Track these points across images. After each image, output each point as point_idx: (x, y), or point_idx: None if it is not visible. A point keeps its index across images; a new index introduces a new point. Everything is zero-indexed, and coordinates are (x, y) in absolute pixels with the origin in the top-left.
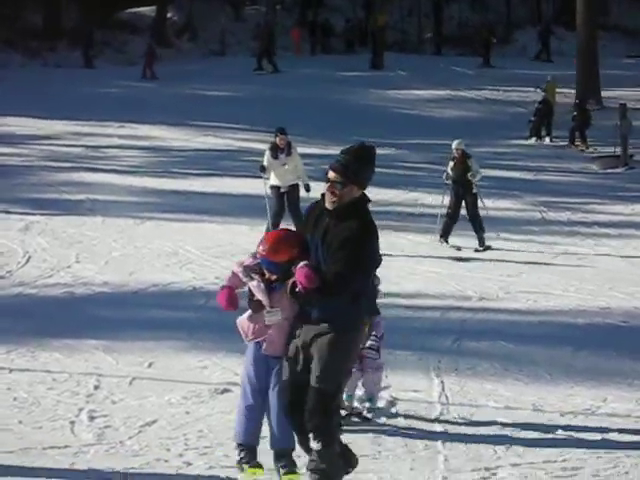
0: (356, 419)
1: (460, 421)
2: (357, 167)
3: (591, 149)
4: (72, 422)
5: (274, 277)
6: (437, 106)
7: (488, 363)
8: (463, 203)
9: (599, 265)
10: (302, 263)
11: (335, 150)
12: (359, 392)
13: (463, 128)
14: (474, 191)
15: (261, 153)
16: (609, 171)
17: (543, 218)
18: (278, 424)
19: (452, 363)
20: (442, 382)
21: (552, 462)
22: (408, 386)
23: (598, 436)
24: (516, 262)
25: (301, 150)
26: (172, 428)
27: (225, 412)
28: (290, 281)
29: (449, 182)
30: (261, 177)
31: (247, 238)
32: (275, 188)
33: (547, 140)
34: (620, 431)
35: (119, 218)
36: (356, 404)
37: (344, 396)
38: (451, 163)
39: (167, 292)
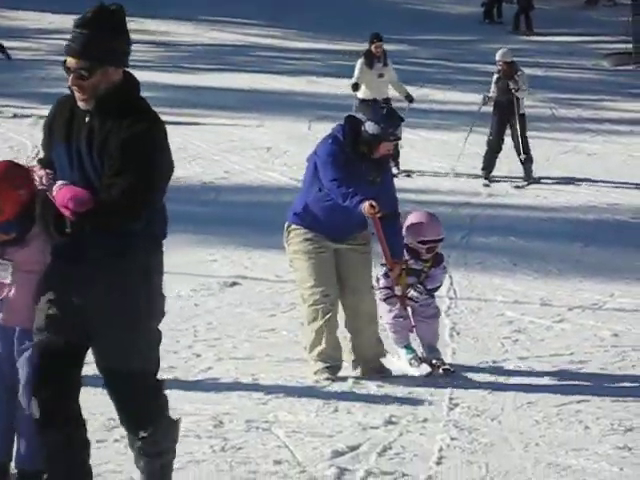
0: (441, 372)
1: (468, 315)
2: (102, 40)
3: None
4: None
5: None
6: (448, 1)
7: (497, 258)
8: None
9: (609, 162)
10: (60, 182)
11: (343, 45)
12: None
13: (473, 24)
14: (521, 112)
15: (270, 47)
16: (620, 68)
17: (553, 115)
18: (28, 436)
19: (461, 258)
20: (450, 277)
21: (559, 356)
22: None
23: (605, 330)
24: None
25: (309, 45)
26: (181, 320)
27: (234, 304)
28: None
29: (488, 103)
30: (355, 94)
31: (257, 134)
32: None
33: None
34: (627, 325)
35: None
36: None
37: (403, 351)
38: (495, 78)
39: (176, 187)
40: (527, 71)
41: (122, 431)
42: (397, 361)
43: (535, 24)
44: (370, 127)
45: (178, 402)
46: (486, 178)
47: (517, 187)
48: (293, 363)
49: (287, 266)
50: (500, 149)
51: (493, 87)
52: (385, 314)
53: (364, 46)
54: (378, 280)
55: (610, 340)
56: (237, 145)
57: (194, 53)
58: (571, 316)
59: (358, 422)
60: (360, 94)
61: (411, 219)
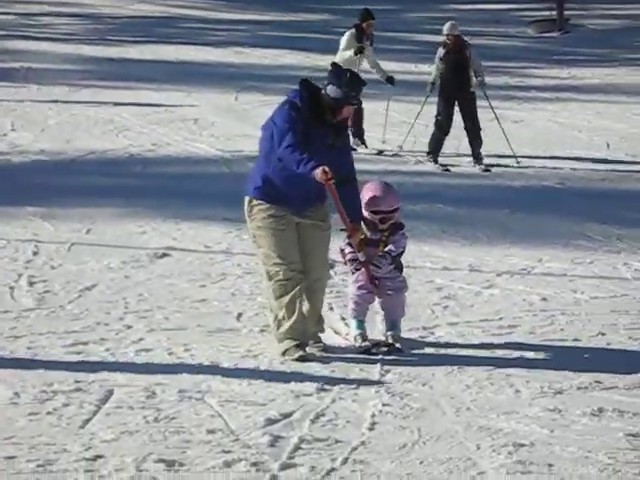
0: (384, 349)
1: None
2: None
3: None
4: (11, 288)
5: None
6: None
7: (425, 225)
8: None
9: (536, 129)
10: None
11: (271, 16)
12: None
13: None
14: (472, 89)
15: (197, 19)
16: (545, 35)
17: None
18: None
19: None
20: None
21: (489, 320)
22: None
23: (534, 295)
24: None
25: (238, 17)
26: (112, 292)
27: (164, 276)
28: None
29: (434, 82)
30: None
31: (184, 105)
32: None
33: None
34: (555, 290)
35: (54, 86)
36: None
37: (354, 323)
38: (440, 52)
39: (104, 159)
40: None
41: (55, 403)
42: (336, 335)
43: None
44: (332, 91)
45: (110, 374)
46: (435, 162)
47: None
48: (225, 333)
49: (216, 237)
50: (448, 131)
51: (438, 62)
52: (351, 285)
53: (290, 16)
54: (343, 251)
55: (539, 304)
56: (164, 117)
57: (120, 25)
58: (500, 281)
59: (290, 390)
60: (337, 59)
61: (364, 191)
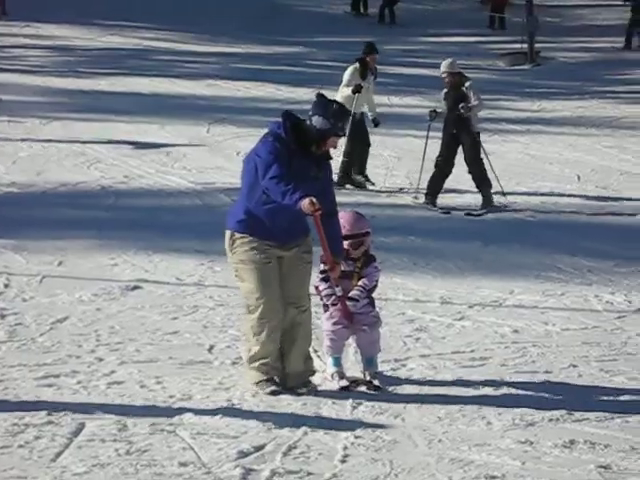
0: (362, 388)
1: None
2: None
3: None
4: None
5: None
6: (344, 2)
7: (397, 258)
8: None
9: (507, 161)
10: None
11: (241, 49)
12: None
13: (368, 25)
14: (473, 130)
15: (168, 51)
16: (516, 67)
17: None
18: None
19: None
20: None
21: (461, 352)
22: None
23: (506, 327)
24: (426, 159)
25: (208, 49)
26: (83, 325)
27: (136, 308)
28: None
29: (434, 118)
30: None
31: (156, 137)
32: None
33: None
34: (527, 322)
35: (25, 118)
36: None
37: (330, 361)
38: (443, 93)
39: (76, 191)
40: (423, 72)
41: (27, 436)
42: (321, 374)
43: (432, 25)
44: (318, 122)
45: (82, 406)
46: (433, 204)
47: (470, 214)
48: (196, 365)
49: (188, 269)
50: (449, 173)
51: (442, 102)
52: (325, 321)
53: (260, 48)
54: (317, 288)
55: (510, 336)
56: (136, 149)
57: (91, 57)
58: (471, 313)
59: (263, 422)
60: (339, 97)
61: None
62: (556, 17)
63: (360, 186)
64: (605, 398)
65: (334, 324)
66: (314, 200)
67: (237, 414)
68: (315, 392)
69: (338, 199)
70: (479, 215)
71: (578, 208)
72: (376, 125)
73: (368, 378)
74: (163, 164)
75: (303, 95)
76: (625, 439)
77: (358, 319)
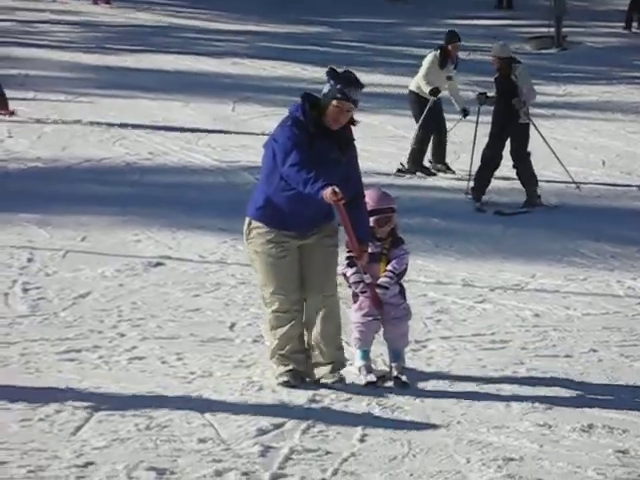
0: (390, 384)
1: None
2: None
3: None
4: (6, 294)
5: None
6: None
7: (419, 239)
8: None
9: (532, 145)
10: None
11: (269, 28)
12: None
13: (396, 8)
14: (521, 121)
15: (195, 29)
16: (542, 51)
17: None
18: None
19: None
20: None
21: (481, 335)
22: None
23: (527, 311)
24: (449, 141)
25: (236, 27)
26: (106, 300)
27: (158, 285)
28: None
29: (483, 102)
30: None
31: (180, 114)
32: (422, 99)
33: None
34: (548, 306)
35: (51, 93)
36: (383, 367)
37: (358, 353)
38: (494, 77)
39: (100, 167)
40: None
41: (47, 410)
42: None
43: (461, 7)
44: (324, 88)
45: (103, 381)
46: (477, 201)
47: (512, 214)
48: (218, 342)
49: (211, 247)
50: (498, 165)
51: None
52: (354, 312)
53: (287, 28)
54: (345, 275)
55: (531, 320)
56: (161, 126)
57: (118, 34)
58: (493, 296)
59: (282, 400)
60: (414, 87)
61: None
62: (584, 1)
63: (431, 174)
64: (624, 383)
65: (364, 315)
66: (336, 189)
67: (257, 392)
68: (343, 385)
69: None
70: (512, 214)
71: (602, 193)
72: (465, 115)
73: (395, 373)
74: (187, 141)
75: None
76: None
77: (387, 310)
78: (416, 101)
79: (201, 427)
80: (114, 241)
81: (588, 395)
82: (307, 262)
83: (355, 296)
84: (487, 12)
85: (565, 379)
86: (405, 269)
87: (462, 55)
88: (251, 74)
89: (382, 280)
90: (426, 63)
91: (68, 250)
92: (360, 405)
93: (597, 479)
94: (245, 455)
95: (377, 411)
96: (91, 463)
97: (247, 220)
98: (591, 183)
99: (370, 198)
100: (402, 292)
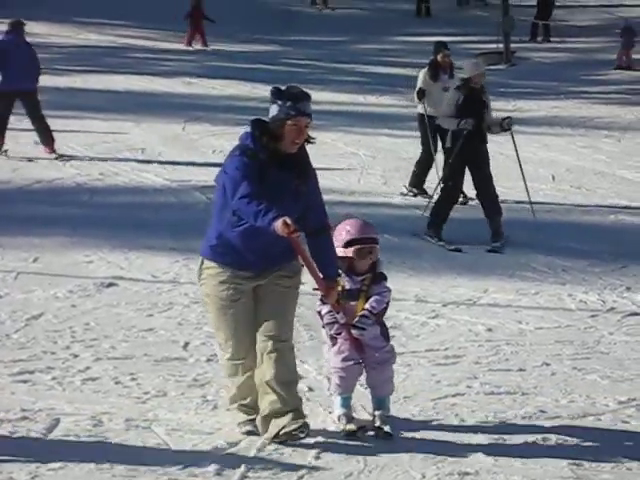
0: (371, 433)
1: None
2: None
3: None
4: None
5: None
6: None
7: None
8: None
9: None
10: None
11: (219, 46)
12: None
13: (349, 25)
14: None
15: (145, 49)
16: (491, 67)
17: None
18: None
19: None
20: None
21: (435, 350)
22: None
23: (479, 325)
24: (399, 158)
25: (184, 47)
26: (58, 321)
27: (111, 305)
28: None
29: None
30: (421, 104)
31: (131, 135)
32: (427, 118)
33: None
34: (501, 320)
35: None
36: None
37: (338, 401)
38: (455, 96)
39: (51, 188)
40: (401, 72)
41: (1, 432)
42: (329, 415)
43: (408, 26)
44: (271, 111)
45: (57, 402)
46: (436, 236)
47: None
48: (172, 362)
49: (163, 266)
50: (458, 196)
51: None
52: (333, 356)
53: (236, 47)
54: (319, 313)
55: (484, 335)
56: (112, 146)
57: (68, 55)
58: (446, 312)
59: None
60: (420, 109)
61: (336, 230)
62: (532, 17)
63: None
64: (577, 396)
65: (344, 359)
66: (288, 220)
67: (211, 410)
68: (307, 432)
69: None
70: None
71: (553, 208)
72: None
73: (378, 423)
74: (139, 162)
75: None
76: (597, 436)
77: (369, 354)
78: (420, 121)
79: (156, 447)
80: (66, 262)
81: (542, 408)
82: (260, 303)
83: (333, 338)
84: (432, 28)
85: (518, 393)
86: (385, 308)
87: (414, 72)
88: (201, 93)
89: (358, 320)
90: (418, 81)
91: (20, 272)
92: (315, 421)
93: None
94: (201, 474)
95: (332, 428)
96: None
97: (200, 260)
98: (540, 203)
99: (351, 227)
100: (384, 333)
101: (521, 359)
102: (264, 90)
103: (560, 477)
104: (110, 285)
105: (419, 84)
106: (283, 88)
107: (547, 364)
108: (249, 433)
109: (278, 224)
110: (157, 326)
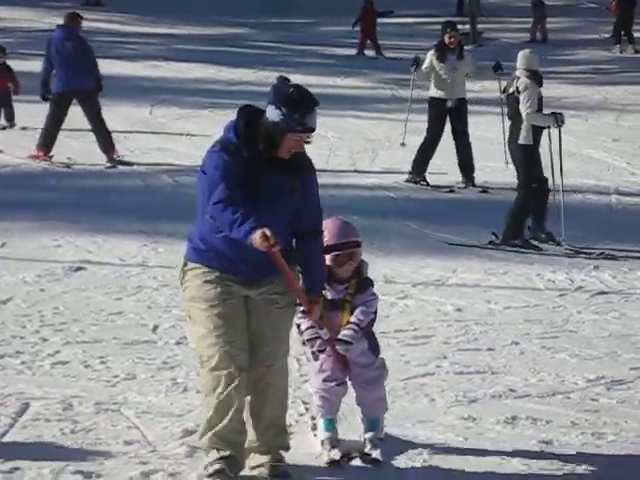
0: (357, 462)
1: None
2: None
3: None
4: None
5: None
6: None
7: None
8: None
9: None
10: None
11: (184, 30)
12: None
13: (319, 6)
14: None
15: (110, 32)
16: None
17: (394, 95)
18: None
19: None
20: None
21: (404, 331)
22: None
23: (448, 306)
24: (366, 139)
25: (150, 30)
26: (27, 305)
27: (80, 289)
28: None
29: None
30: (413, 76)
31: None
32: (437, 102)
33: None
34: (470, 300)
35: None
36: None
37: (321, 424)
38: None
39: (18, 173)
40: (368, 52)
41: None
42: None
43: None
44: (271, 113)
45: (26, 387)
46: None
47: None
48: (141, 345)
49: (131, 250)
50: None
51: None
52: (314, 376)
53: (202, 30)
54: (299, 327)
55: (453, 315)
56: (78, 130)
57: (33, 39)
58: (415, 292)
59: None
60: (430, 92)
61: None
62: None
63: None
64: (547, 375)
65: (325, 380)
66: (267, 233)
67: (181, 393)
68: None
69: None
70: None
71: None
72: (498, 68)
73: (368, 447)
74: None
75: (244, 76)
76: (566, 415)
77: (357, 372)
78: (430, 103)
79: (126, 429)
80: (34, 246)
81: (511, 387)
82: (253, 324)
83: (315, 354)
84: (400, 9)
85: (488, 372)
86: (373, 319)
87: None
88: (168, 76)
89: (344, 334)
90: (426, 62)
91: None
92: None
93: (521, 469)
94: (172, 456)
95: (301, 409)
96: (17, 468)
97: (182, 263)
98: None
99: (327, 230)
100: (373, 347)
101: (490, 338)
102: (230, 73)
103: (530, 455)
104: (78, 269)
105: (426, 65)
106: (290, 90)
107: (516, 343)
108: (218, 475)
109: (256, 237)
110: (126, 309)
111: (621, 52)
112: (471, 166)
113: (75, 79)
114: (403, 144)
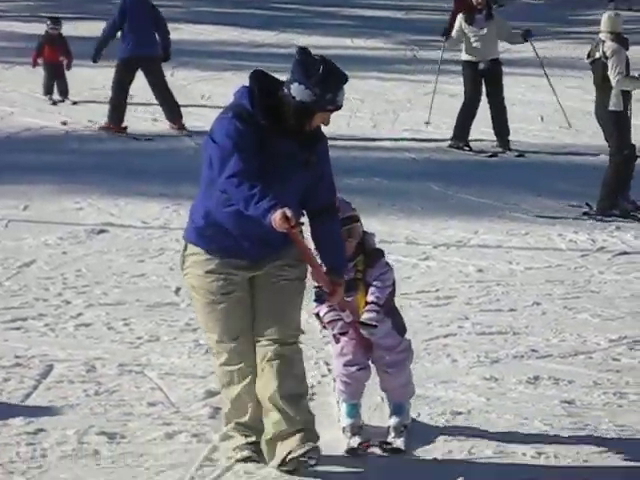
0: (377, 451)
1: None
2: None
3: None
4: None
5: None
6: None
7: (361, 198)
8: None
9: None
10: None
11: None
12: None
13: None
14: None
15: None
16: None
17: (415, 57)
18: None
19: None
20: None
21: (426, 292)
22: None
23: (470, 267)
24: (387, 100)
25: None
26: (50, 268)
27: (102, 252)
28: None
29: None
30: (442, 45)
31: None
32: (469, 64)
33: None
34: (491, 261)
35: None
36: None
37: (344, 409)
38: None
39: (40, 136)
40: (387, 14)
41: None
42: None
43: None
44: (299, 92)
45: (50, 349)
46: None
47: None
48: (163, 307)
49: (153, 212)
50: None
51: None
52: (335, 360)
53: None
54: (318, 315)
55: (475, 276)
56: (100, 93)
57: (54, 2)
58: (436, 253)
59: None
60: (462, 55)
61: None
62: None
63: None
64: (568, 335)
65: (346, 365)
66: (288, 213)
67: (204, 354)
68: (318, 458)
69: None
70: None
71: (541, 148)
72: (527, 36)
73: (392, 435)
74: (128, 109)
75: (267, 39)
76: (588, 375)
77: (379, 355)
78: (464, 67)
79: (150, 391)
80: (56, 209)
81: (533, 348)
82: (259, 299)
83: (335, 337)
84: None
85: (510, 333)
86: (392, 291)
87: (400, 15)
88: (189, 39)
89: (366, 317)
90: (455, 26)
91: (10, 219)
92: (309, 364)
93: (544, 430)
94: (195, 417)
95: (324, 370)
96: (41, 430)
97: (183, 244)
98: (531, 136)
99: None
100: (398, 326)
101: (512, 299)
102: (252, 35)
103: (552, 415)
104: (101, 232)
105: (456, 29)
106: (317, 65)
107: (538, 304)
108: (247, 460)
109: (276, 217)
110: (148, 272)
111: None
112: (507, 131)
113: (142, 46)
114: (428, 123)
